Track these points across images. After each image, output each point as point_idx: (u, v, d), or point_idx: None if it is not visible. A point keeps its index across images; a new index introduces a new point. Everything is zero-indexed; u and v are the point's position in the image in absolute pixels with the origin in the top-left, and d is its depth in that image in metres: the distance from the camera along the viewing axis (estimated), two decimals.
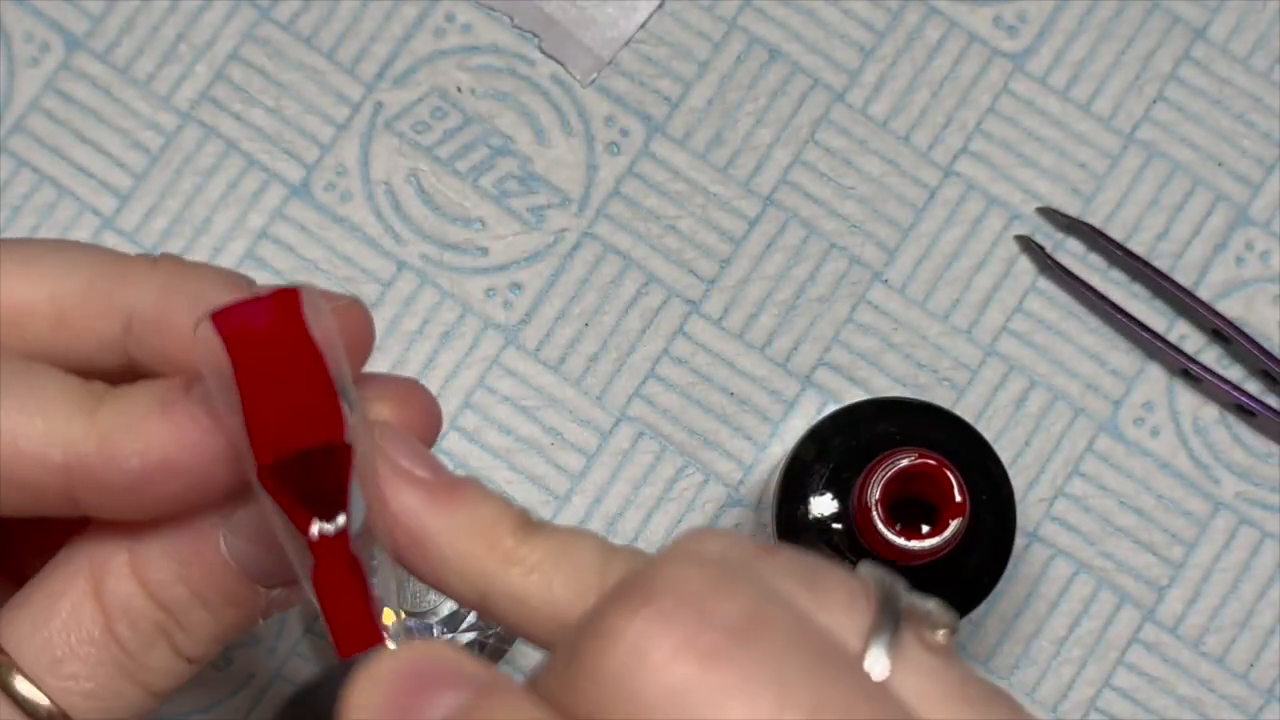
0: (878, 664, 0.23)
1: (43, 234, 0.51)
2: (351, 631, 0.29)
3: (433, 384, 0.51)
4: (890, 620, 0.24)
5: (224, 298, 0.30)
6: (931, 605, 0.25)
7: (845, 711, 0.22)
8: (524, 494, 0.50)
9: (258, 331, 0.29)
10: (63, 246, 0.33)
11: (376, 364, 0.35)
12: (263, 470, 0.29)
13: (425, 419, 0.34)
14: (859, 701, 0.22)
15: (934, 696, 0.23)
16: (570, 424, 0.51)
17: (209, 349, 0.29)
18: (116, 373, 0.32)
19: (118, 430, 0.30)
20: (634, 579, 0.24)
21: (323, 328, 0.29)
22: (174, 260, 0.33)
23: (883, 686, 0.23)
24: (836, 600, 0.24)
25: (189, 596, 0.32)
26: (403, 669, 0.24)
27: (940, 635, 0.24)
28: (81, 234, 0.51)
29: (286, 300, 0.29)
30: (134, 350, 0.33)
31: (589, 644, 0.23)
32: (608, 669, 0.22)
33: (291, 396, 0.29)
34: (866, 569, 0.25)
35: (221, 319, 0.28)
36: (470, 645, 0.48)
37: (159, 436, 0.30)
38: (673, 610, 0.22)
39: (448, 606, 0.47)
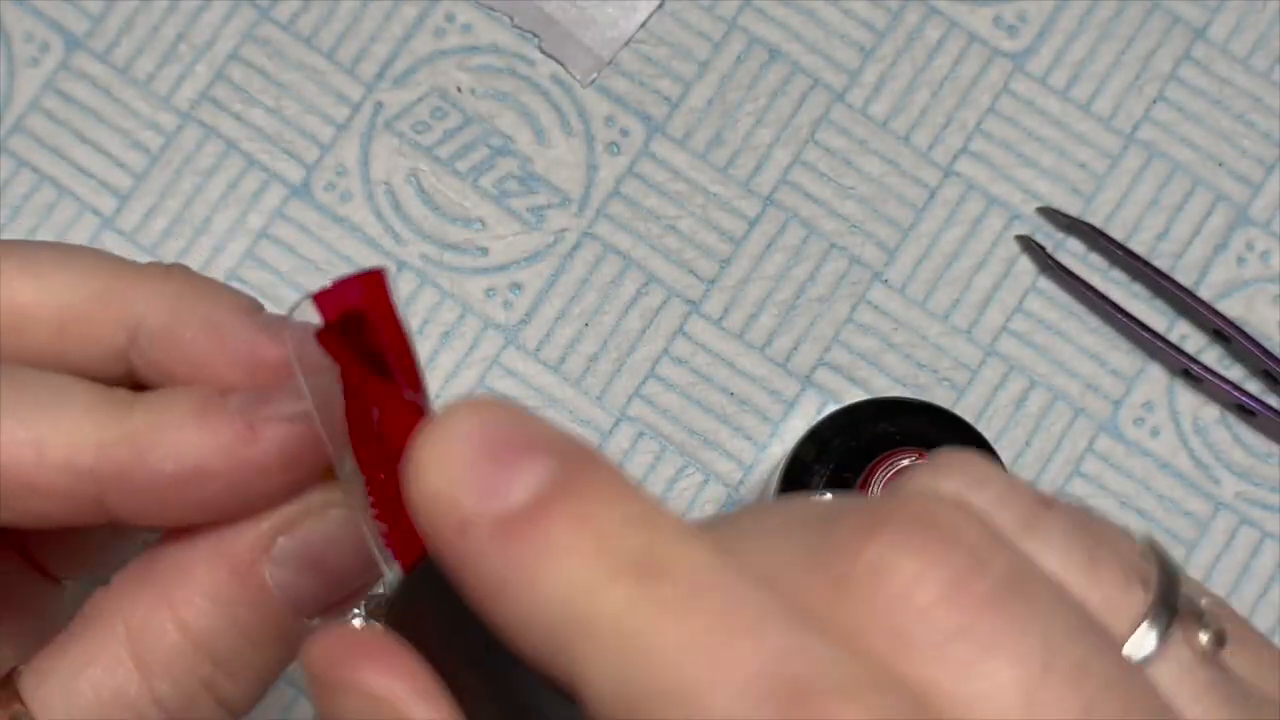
0: (1141, 651, 0.23)
1: (42, 234, 0.51)
2: None
3: (432, 384, 0.51)
4: (1165, 612, 0.23)
5: (235, 318, 0.30)
6: (1206, 603, 0.24)
7: (1104, 682, 0.21)
8: None
9: (358, 312, 0.28)
10: (70, 251, 0.33)
11: None
12: (364, 449, 0.28)
13: None
14: (1119, 676, 0.21)
15: (1191, 694, 0.23)
16: (570, 424, 0.51)
17: (302, 335, 0.28)
18: (116, 383, 0.32)
19: (151, 433, 0.30)
20: (899, 511, 0.22)
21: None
22: (186, 272, 0.32)
23: (1141, 669, 0.23)
24: (1112, 577, 0.23)
25: (239, 639, 0.30)
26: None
27: (1207, 640, 0.23)
28: (81, 234, 0.51)
29: (376, 281, 0.29)
30: (138, 361, 0.32)
31: (847, 565, 0.21)
32: (870, 595, 0.21)
33: (388, 381, 0.28)
34: (1149, 547, 0.24)
35: (323, 300, 0.28)
36: None
37: (195, 440, 0.29)
38: (946, 554, 0.22)
39: None
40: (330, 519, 0.30)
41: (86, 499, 0.30)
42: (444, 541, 0.22)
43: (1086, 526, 0.24)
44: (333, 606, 0.31)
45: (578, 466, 0.22)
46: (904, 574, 0.21)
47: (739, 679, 0.20)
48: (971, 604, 0.21)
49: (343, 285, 0.28)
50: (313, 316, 0.28)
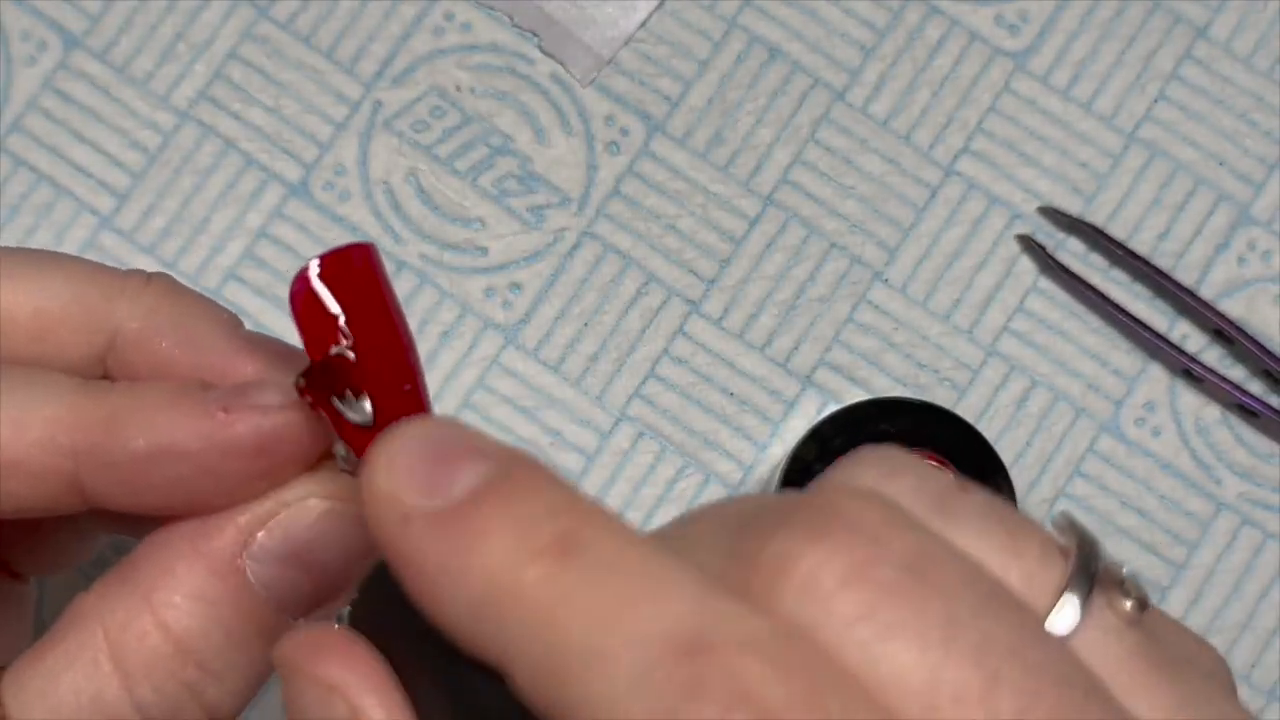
0: (1064, 619, 0.23)
1: (40, 233, 0.51)
2: None
3: (432, 384, 0.51)
4: (1084, 580, 0.23)
5: (213, 331, 0.31)
6: (1127, 572, 0.24)
7: (1010, 650, 0.22)
8: None
9: (355, 277, 0.29)
10: (50, 258, 0.33)
11: None
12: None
13: None
14: (1028, 643, 0.22)
15: (1117, 658, 0.23)
16: (570, 424, 0.51)
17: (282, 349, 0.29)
18: None
19: (126, 411, 0.30)
20: (806, 503, 0.23)
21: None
22: (168, 282, 0.33)
23: (1062, 640, 0.23)
24: (1031, 550, 0.24)
25: (223, 639, 0.30)
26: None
27: (1130, 605, 0.23)
28: (79, 233, 0.51)
29: (367, 253, 0.30)
30: (114, 369, 0.32)
31: (755, 556, 0.22)
32: (777, 584, 0.22)
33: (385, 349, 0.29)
34: (1066, 521, 0.25)
35: (325, 264, 0.29)
36: None
37: (169, 419, 0.30)
38: (848, 541, 0.22)
39: None
40: (311, 512, 0.30)
41: (63, 478, 0.30)
42: (387, 535, 0.23)
43: (1002, 508, 0.24)
44: (322, 604, 0.30)
45: (511, 466, 0.23)
46: (806, 563, 0.22)
47: (643, 638, 0.21)
48: (872, 589, 0.22)
49: (330, 257, 0.29)
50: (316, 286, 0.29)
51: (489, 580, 0.22)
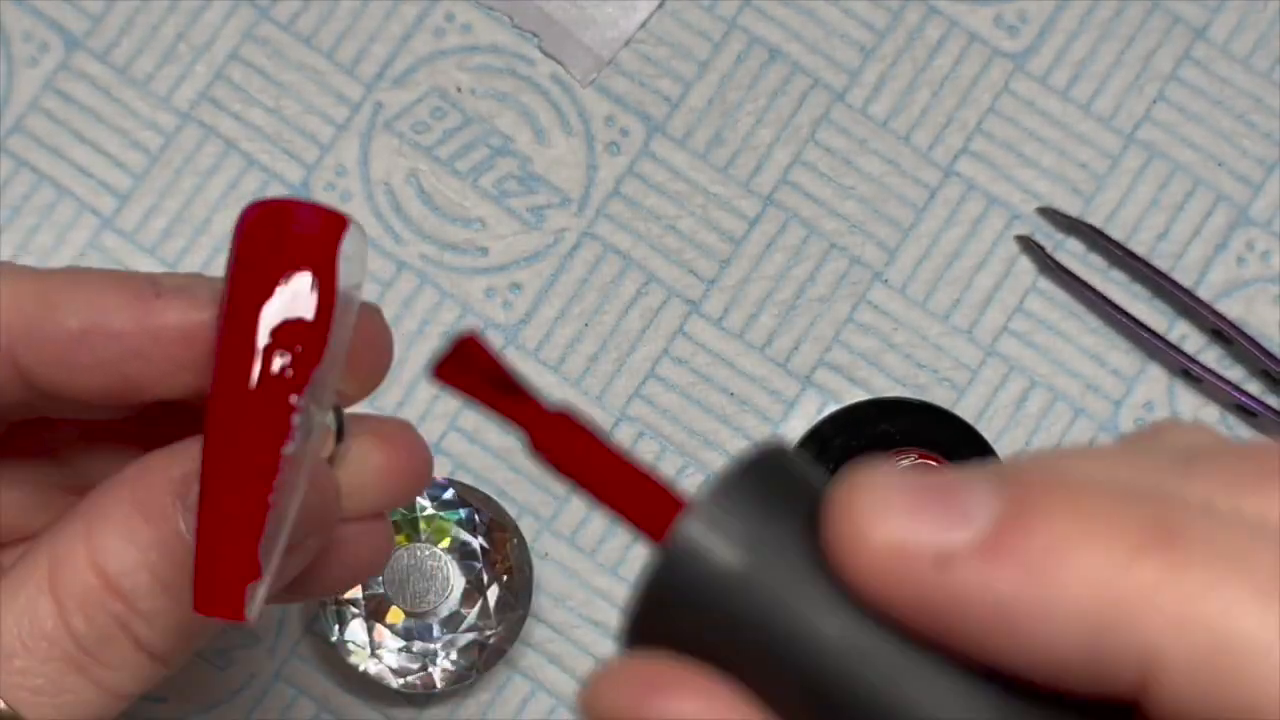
0: None
1: (42, 234, 0.51)
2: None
3: (432, 384, 0.51)
4: None
5: (120, 297, 0.31)
6: None
7: None
8: (524, 494, 0.50)
9: (294, 232, 0.29)
10: None
11: None
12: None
13: (413, 462, 0.33)
14: None
15: None
16: None
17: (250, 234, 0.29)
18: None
19: (63, 291, 0.31)
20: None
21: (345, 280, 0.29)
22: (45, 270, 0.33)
23: None
24: None
25: (152, 583, 0.31)
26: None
27: None
28: (81, 234, 0.51)
29: (334, 222, 0.29)
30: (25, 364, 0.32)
31: None
32: None
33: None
34: None
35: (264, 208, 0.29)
36: (469, 646, 0.48)
37: (103, 300, 0.31)
38: None
39: (447, 607, 0.47)
40: None
41: (3, 359, 0.31)
42: (917, 583, 0.21)
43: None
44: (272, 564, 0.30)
45: (1013, 482, 0.22)
46: None
47: None
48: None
49: (301, 208, 0.29)
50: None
51: (1097, 591, 0.20)
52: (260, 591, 0.29)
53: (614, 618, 0.50)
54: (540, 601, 0.50)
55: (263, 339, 0.29)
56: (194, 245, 0.51)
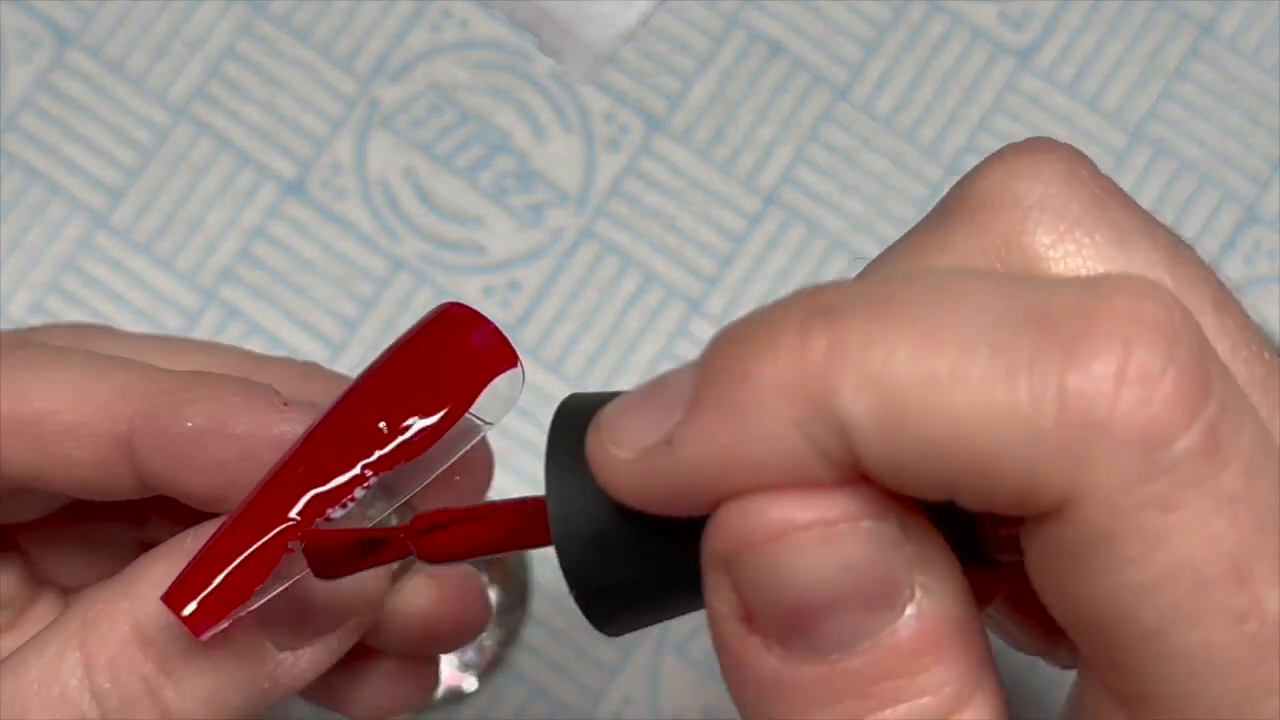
0: None
1: (34, 232, 0.51)
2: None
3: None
4: None
5: (245, 402, 0.31)
6: None
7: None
8: (524, 495, 0.50)
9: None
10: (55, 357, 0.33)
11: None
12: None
13: (461, 614, 0.34)
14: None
15: None
16: None
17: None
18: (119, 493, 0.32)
19: (189, 389, 0.31)
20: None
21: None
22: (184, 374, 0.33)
23: None
24: None
25: (189, 645, 0.29)
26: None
27: None
28: (74, 231, 0.51)
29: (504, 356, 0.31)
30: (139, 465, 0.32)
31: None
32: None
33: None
34: None
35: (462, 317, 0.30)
36: (467, 649, 0.47)
37: (228, 402, 0.30)
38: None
39: None
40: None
41: (118, 448, 0.31)
42: (662, 473, 0.23)
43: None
44: (310, 638, 0.30)
45: (704, 354, 0.24)
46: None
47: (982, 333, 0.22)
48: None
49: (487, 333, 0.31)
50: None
51: (789, 389, 0.22)
52: (225, 624, 0.28)
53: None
54: (539, 604, 0.49)
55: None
56: (188, 243, 0.51)
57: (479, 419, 0.30)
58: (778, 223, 0.52)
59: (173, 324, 0.50)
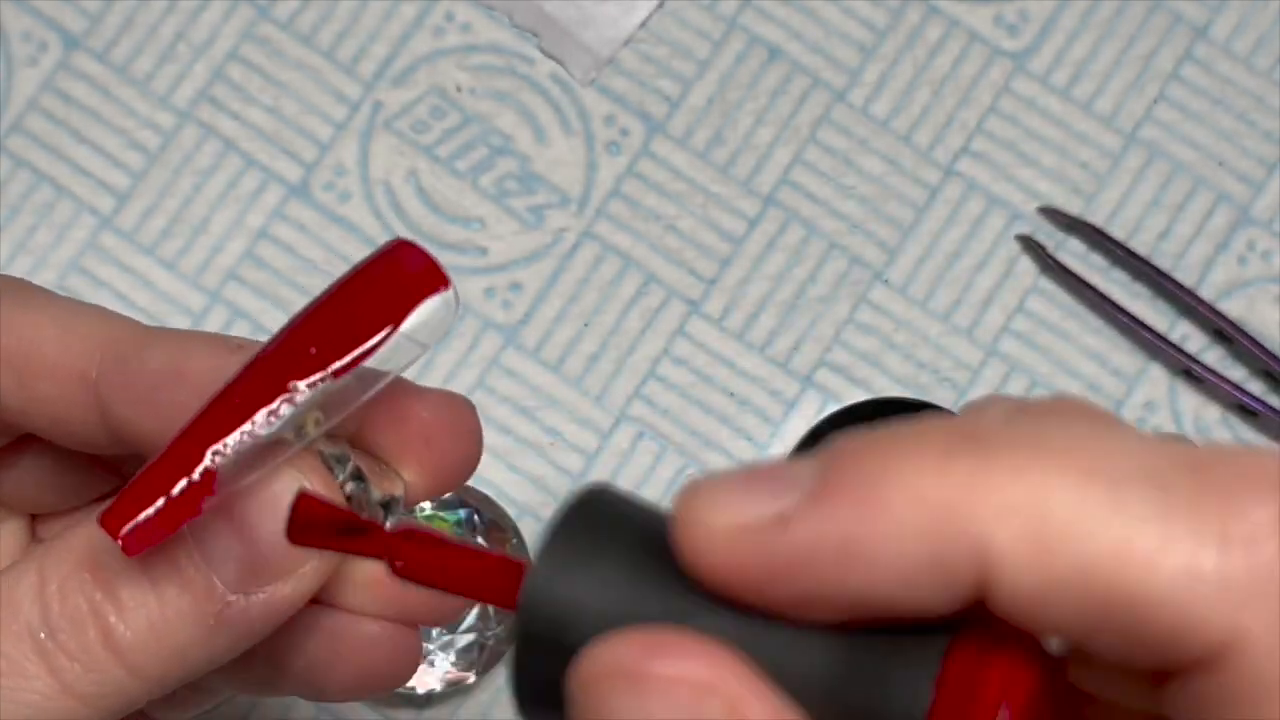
0: None
1: (41, 233, 0.51)
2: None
3: (432, 385, 0.51)
4: None
5: (199, 352, 0.31)
6: None
7: None
8: (524, 495, 0.50)
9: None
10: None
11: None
12: None
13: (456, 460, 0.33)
14: None
15: None
16: (570, 424, 0.51)
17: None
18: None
19: (154, 336, 0.32)
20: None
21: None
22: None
23: None
24: None
25: (135, 572, 0.29)
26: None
27: None
28: (80, 233, 0.51)
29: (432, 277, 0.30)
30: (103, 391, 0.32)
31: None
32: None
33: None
34: None
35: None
36: (469, 647, 0.47)
37: (188, 347, 0.31)
38: None
39: None
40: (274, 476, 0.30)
41: (89, 389, 0.31)
42: (763, 550, 0.23)
43: None
44: (260, 582, 0.29)
45: (829, 449, 0.23)
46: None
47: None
48: None
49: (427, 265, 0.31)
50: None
51: (921, 502, 0.22)
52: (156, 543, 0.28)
53: None
54: None
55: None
56: (193, 245, 0.51)
57: (413, 340, 0.30)
58: (776, 224, 0.52)
59: (178, 325, 0.51)
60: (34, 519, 0.36)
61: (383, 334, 0.30)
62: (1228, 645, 0.21)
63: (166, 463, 0.28)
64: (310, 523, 0.27)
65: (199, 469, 0.28)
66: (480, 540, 0.48)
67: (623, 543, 0.24)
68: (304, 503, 0.27)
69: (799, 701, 0.23)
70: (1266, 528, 0.21)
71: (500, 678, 0.49)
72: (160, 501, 0.28)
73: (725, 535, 0.22)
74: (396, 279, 0.30)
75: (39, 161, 0.52)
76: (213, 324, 0.51)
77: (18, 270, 0.51)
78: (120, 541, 0.28)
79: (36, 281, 0.49)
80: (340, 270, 0.51)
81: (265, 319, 0.51)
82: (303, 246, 0.51)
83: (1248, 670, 0.20)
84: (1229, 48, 0.53)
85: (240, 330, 0.51)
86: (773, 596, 0.22)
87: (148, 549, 0.28)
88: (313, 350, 0.30)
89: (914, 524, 0.21)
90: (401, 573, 0.26)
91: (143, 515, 0.28)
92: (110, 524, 0.28)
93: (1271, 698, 0.20)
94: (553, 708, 0.24)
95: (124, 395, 0.31)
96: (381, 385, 0.30)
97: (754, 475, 0.23)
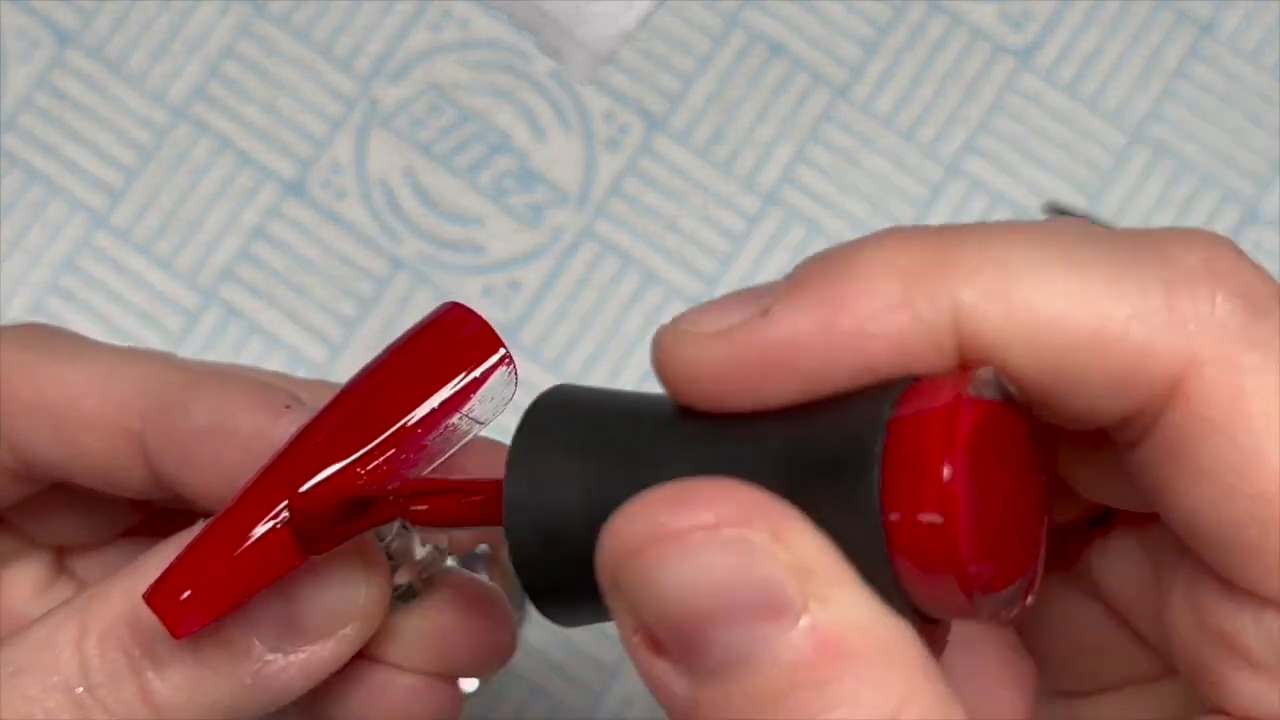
0: None
1: (34, 232, 0.51)
2: None
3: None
4: None
5: (248, 400, 0.31)
6: None
7: None
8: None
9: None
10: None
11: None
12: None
13: (486, 637, 0.33)
14: None
15: None
16: None
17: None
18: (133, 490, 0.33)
19: (199, 387, 0.31)
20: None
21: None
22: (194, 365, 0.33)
23: None
24: None
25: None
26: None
27: None
28: (74, 232, 0.51)
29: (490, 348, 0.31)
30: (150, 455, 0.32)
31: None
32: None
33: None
34: None
35: None
36: None
37: (235, 403, 0.31)
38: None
39: None
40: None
41: (132, 441, 0.31)
42: (751, 343, 0.24)
43: None
44: (300, 644, 0.29)
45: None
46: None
47: None
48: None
49: None
50: None
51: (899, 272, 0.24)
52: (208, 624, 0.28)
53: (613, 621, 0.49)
54: None
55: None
56: (188, 243, 0.51)
57: (471, 419, 0.29)
58: (777, 222, 0.52)
59: (173, 324, 0.50)
60: (60, 549, 0.36)
61: (441, 412, 0.29)
62: (1183, 371, 0.23)
63: (214, 540, 0.28)
64: (313, 521, 0.27)
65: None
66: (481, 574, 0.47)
67: (587, 423, 0.25)
68: (299, 512, 0.27)
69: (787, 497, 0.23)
70: (1200, 270, 0.23)
71: (500, 679, 0.49)
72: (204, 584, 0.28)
73: (711, 339, 0.24)
74: (457, 351, 0.30)
75: (32, 159, 0.51)
76: (208, 323, 0.50)
77: (10, 269, 0.50)
78: (165, 621, 0.27)
79: (30, 281, 0.49)
80: (337, 269, 0.51)
81: (260, 318, 0.50)
82: (299, 245, 0.51)
83: (1207, 393, 0.23)
84: (1235, 44, 0.53)
85: (235, 329, 0.50)
86: (762, 390, 0.23)
87: (196, 629, 0.28)
88: (369, 425, 0.29)
89: (891, 293, 0.23)
90: (419, 520, 0.27)
91: (185, 595, 0.27)
92: (156, 600, 0.28)
93: (1232, 412, 0.22)
94: (575, 600, 0.25)
95: (168, 450, 0.31)
96: (433, 466, 0.30)
97: (727, 295, 0.24)
